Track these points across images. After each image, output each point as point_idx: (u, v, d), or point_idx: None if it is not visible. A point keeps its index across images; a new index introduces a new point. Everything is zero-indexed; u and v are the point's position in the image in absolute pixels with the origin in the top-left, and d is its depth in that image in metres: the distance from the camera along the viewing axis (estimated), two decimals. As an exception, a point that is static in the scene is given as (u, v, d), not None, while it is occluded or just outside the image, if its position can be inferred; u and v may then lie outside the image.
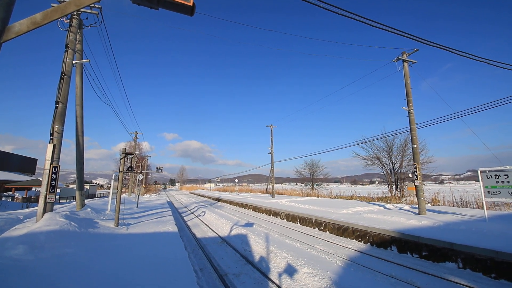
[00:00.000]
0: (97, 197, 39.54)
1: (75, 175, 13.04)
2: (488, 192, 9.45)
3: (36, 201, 23.30)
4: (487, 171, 9.51)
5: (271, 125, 31.14)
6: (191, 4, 3.19)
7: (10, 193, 29.86)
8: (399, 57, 13.53)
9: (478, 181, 9.72)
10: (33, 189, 31.57)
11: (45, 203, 8.43)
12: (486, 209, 9.60)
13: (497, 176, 9.17)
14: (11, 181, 31.38)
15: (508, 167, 8.93)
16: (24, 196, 28.14)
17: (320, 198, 26.13)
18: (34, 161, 43.63)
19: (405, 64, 13.51)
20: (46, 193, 8.46)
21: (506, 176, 8.89)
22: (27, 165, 41.55)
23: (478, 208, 13.38)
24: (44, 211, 8.38)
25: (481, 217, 9.96)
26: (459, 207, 14.61)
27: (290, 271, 6.57)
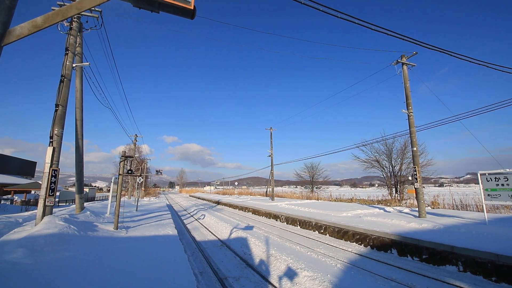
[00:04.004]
0: (97, 200, 39.44)
1: (74, 178, 13.01)
2: (488, 195, 9.44)
3: (35, 204, 23.23)
4: (487, 174, 9.50)
5: (271, 127, 31.18)
6: (192, 7, 3.22)
7: (9, 196, 29.78)
8: (399, 60, 13.59)
9: (478, 184, 9.71)
10: (33, 192, 31.49)
11: (45, 206, 8.40)
12: (486, 212, 9.58)
13: (497, 179, 9.17)
14: (10, 184, 31.31)
15: (508, 170, 8.93)
16: (23, 199, 28.04)
17: (320, 201, 26.07)
18: (34, 164, 43.60)
19: (405, 67, 13.58)
20: (46, 196, 8.44)
21: (506, 179, 8.88)
22: (27, 168, 41.52)
23: (478, 211, 13.35)
24: (44, 214, 8.35)
25: (481, 220, 9.94)
26: (459, 210, 14.58)
27: (290, 274, 6.54)
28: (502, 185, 8.99)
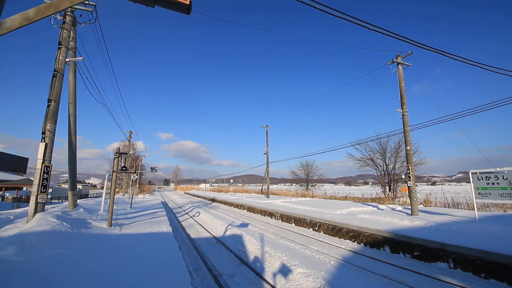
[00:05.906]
0: (90, 197, 38.98)
1: (67, 175, 12.85)
2: (479, 193, 9.62)
3: (27, 201, 22.87)
4: (478, 173, 9.68)
5: (267, 125, 31.21)
6: (188, 2, 3.17)
7: (0, 192, 29.24)
8: (394, 60, 13.69)
9: (469, 182, 9.89)
10: (24, 188, 31.02)
11: (36, 203, 8.28)
12: (477, 210, 9.78)
13: (487, 178, 9.35)
14: (1, 180, 30.72)
15: (498, 169, 9.10)
16: (14, 196, 27.60)
17: (314, 198, 26.25)
18: (26, 160, 42.81)
19: (400, 66, 13.68)
20: (38, 193, 8.31)
21: (496, 178, 9.07)
22: (18, 164, 40.75)
23: (469, 209, 13.61)
24: (35, 211, 8.23)
25: (472, 218, 10.14)
26: (450, 208, 14.84)
27: (284, 271, 6.58)
28: (493, 184, 9.17)
